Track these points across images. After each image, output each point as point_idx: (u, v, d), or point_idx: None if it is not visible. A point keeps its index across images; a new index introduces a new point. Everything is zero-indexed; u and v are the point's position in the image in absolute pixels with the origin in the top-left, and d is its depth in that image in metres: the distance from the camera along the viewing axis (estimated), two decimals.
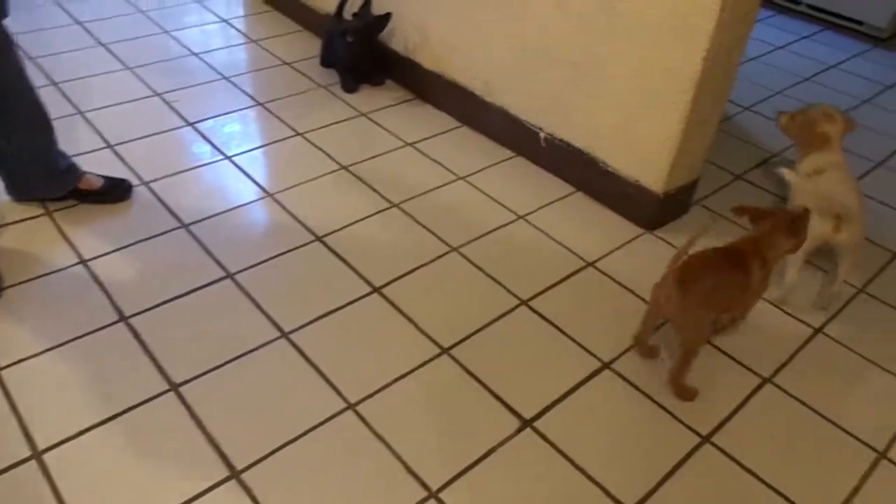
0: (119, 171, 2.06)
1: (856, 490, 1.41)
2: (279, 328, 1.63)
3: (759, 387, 1.61)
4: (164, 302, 1.67)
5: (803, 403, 1.58)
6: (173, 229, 1.89)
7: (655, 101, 1.87)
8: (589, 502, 1.34)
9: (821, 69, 3.23)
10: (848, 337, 1.76)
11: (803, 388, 1.61)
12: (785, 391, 1.60)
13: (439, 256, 1.89)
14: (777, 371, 1.65)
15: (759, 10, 1.80)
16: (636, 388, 1.58)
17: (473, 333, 1.67)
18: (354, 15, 2.53)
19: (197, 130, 2.31)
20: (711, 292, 1.48)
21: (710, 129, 1.98)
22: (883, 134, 2.74)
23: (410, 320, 1.69)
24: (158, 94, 2.48)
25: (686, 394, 1.56)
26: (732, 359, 1.67)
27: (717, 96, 1.88)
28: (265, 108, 2.47)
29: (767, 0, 3.84)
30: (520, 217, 2.07)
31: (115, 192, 1.95)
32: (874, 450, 1.49)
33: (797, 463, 1.45)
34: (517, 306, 1.76)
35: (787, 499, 1.38)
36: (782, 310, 1.83)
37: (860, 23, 3.61)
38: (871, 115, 2.88)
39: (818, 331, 1.78)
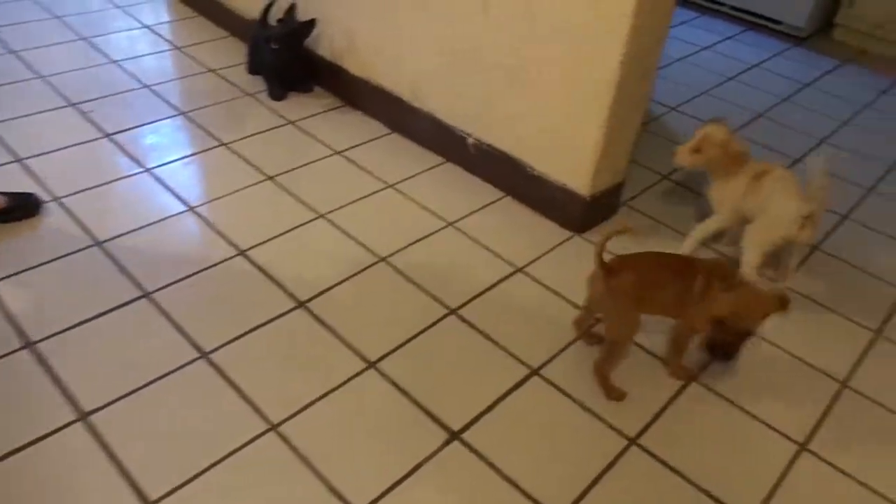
0: (28, 187, 1.97)
1: (778, 483, 1.44)
2: (198, 348, 1.57)
3: (685, 386, 1.63)
4: (75, 325, 1.59)
5: (728, 401, 1.61)
6: (86, 247, 1.81)
7: (578, 106, 1.88)
8: None
9: (744, 68, 3.31)
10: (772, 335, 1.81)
11: (729, 386, 1.64)
12: (711, 389, 1.63)
13: (367, 267, 1.86)
14: (703, 369, 1.68)
15: (681, 11, 1.84)
16: (565, 393, 1.58)
17: (401, 345, 1.65)
18: (279, 21, 2.48)
19: (114, 142, 2.23)
20: (639, 288, 1.49)
21: (632, 133, 2.00)
22: (800, 132, 2.82)
23: (337, 335, 1.65)
24: (73, 104, 2.38)
25: (612, 392, 1.57)
26: (658, 358, 1.69)
27: (637, 100, 1.90)
28: (188, 117, 2.40)
29: (692, 2, 3.94)
30: (449, 224, 2.05)
31: (21, 209, 1.86)
32: (795, 442, 1.53)
33: (722, 460, 1.47)
34: (446, 315, 1.74)
35: (712, 496, 1.40)
36: None
37: (779, 22, 3.72)
38: (790, 112, 2.96)
39: None
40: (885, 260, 2.13)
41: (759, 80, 3.22)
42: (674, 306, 1.55)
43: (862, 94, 3.20)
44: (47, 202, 1.94)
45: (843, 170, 2.57)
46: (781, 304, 1.48)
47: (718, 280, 1.47)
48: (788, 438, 1.54)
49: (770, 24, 3.76)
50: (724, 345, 1.51)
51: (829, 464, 1.49)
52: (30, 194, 1.89)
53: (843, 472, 1.48)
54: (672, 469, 1.44)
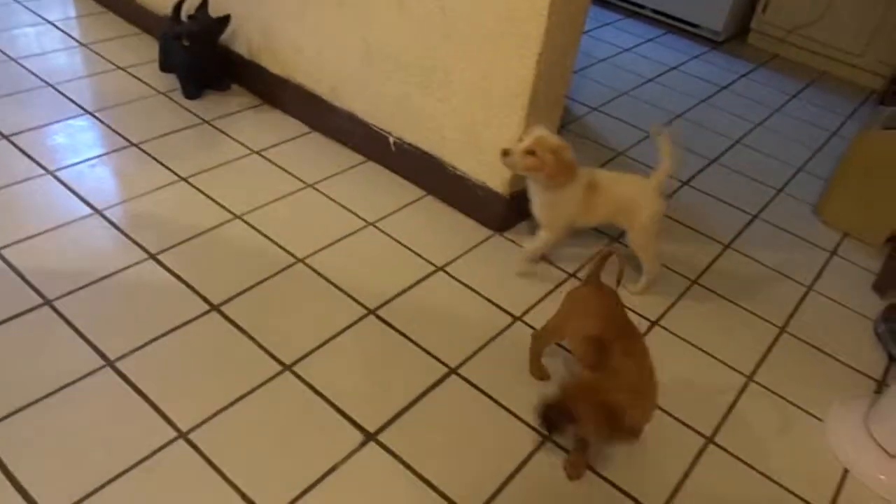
0: None
1: (686, 475, 1.48)
2: (104, 356, 1.51)
3: None
4: None
5: None
6: None
7: (496, 105, 1.89)
8: None
9: (663, 70, 3.41)
10: (680, 327, 1.86)
11: None
12: None
13: (284, 269, 1.82)
14: None
15: (604, 13, 1.87)
16: (482, 391, 1.58)
17: (318, 347, 1.62)
18: (191, 17, 2.40)
19: (12, 143, 2.11)
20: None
21: (551, 131, 2.02)
22: (717, 133, 2.92)
23: (251, 338, 1.61)
24: None
25: (537, 371, 1.62)
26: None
27: (553, 100, 1.92)
28: (96, 117, 2.30)
29: (615, 4, 4.03)
30: (369, 224, 2.03)
31: None
32: (702, 435, 1.58)
33: (633, 454, 1.50)
34: (364, 316, 1.72)
35: (630, 496, 1.42)
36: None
37: (698, 26, 3.84)
38: (707, 114, 3.06)
39: (654, 323, 1.86)
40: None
41: (677, 82, 3.31)
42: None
43: (775, 98, 3.33)
44: None
45: (755, 170, 2.67)
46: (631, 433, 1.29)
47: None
48: (695, 431, 1.59)
49: (689, 28, 3.88)
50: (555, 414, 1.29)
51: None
52: None
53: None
54: (589, 468, 1.46)
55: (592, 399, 1.22)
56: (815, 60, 3.75)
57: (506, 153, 1.72)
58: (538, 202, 1.84)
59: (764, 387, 1.73)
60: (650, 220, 1.84)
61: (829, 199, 2.42)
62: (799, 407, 1.69)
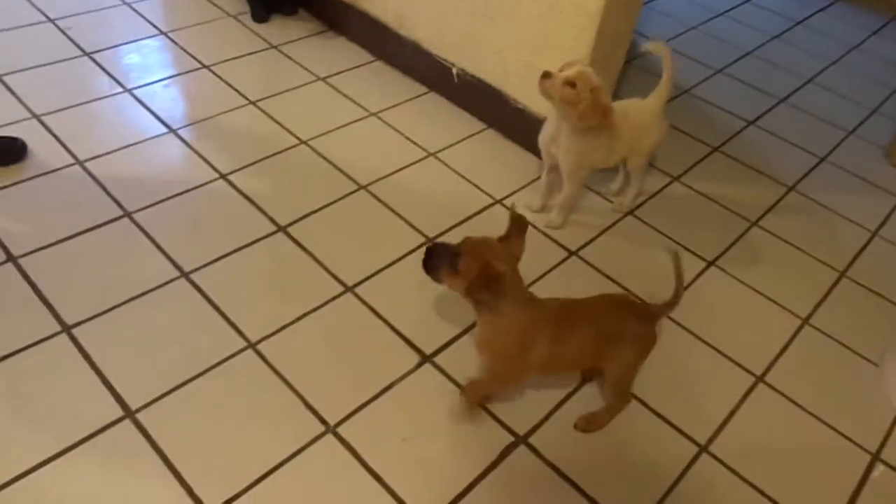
0: (6, 104, 1.95)
1: (733, 412, 1.51)
2: (179, 268, 1.60)
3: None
4: (56, 242, 1.61)
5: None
6: (67, 166, 1.81)
7: (560, 38, 1.87)
8: (486, 430, 1.40)
9: (736, 4, 3.27)
10: (737, 269, 1.85)
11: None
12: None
13: (348, 195, 1.88)
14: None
15: None
16: None
17: (379, 271, 1.68)
18: None
19: (94, 61, 2.19)
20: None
21: (616, 67, 1.99)
22: (787, 71, 2.81)
23: (316, 259, 1.68)
24: (51, 20, 2.33)
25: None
26: None
27: (619, 34, 1.89)
28: (169, 37, 2.35)
29: None
30: (430, 154, 2.06)
31: (7, 154, 1.78)
32: (752, 374, 1.60)
33: (680, 387, 1.54)
34: (423, 244, 1.77)
35: (668, 421, 1.46)
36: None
37: None
38: (779, 50, 2.95)
39: (711, 263, 1.86)
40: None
41: (749, 16, 3.19)
42: None
43: (852, 34, 3.17)
44: (25, 120, 1.92)
45: (827, 111, 2.58)
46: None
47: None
48: (745, 370, 1.61)
49: None
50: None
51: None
52: (14, 139, 1.81)
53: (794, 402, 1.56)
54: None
55: (481, 258, 1.19)
56: None
57: (547, 75, 1.59)
58: (565, 147, 1.72)
59: (820, 330, 1.73)
60: (656, 144, 1.84)
61: None
62: (854, 351, 1.69)
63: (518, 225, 1.26)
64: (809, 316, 1.76)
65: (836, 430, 1.51)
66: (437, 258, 1.24)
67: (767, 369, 1.61)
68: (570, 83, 1.57)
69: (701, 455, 1.42)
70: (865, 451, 1.48)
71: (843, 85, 2.77)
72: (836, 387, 1.61)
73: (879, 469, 1.46)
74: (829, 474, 1.44)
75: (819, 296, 1.82)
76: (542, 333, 1.26)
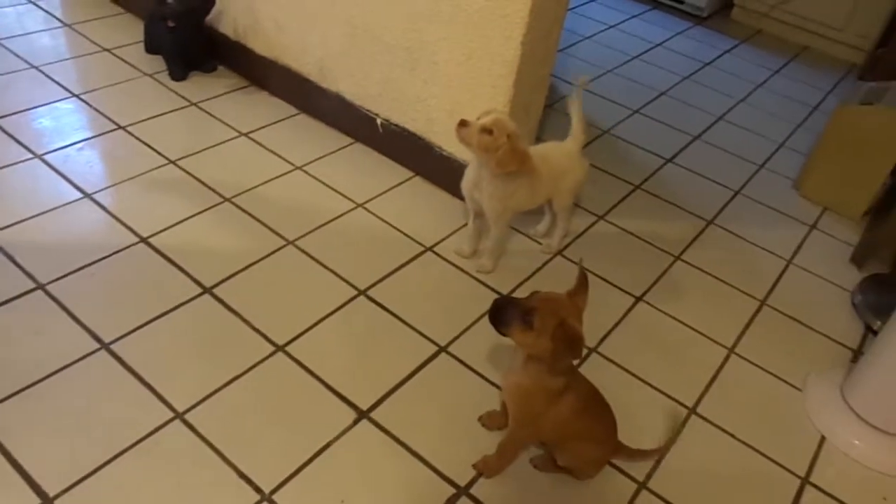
0: None
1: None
2: (98, 339, 1.53)
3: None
4: None
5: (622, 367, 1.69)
6: None
7: (481, 87, 1.91)
8: (425, 484, 1.37)
9: (648, 47, 3.43)
10: (663, 302, 1.90)
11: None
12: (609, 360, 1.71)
13: (275, 251, 1.85)
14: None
15: None
16: (471, 368, 1.62)
17: (310, 328, 1.65)
18: None
19: (0, 127, 2.11)
20: None
21: (536, 112, 2.05)
22: (700, 109, 2.95)
23: (244, 319, 1.64)
24: None
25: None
26: None
27: (538, 79, 1.94)
28: (82, 99, 2.29)
29: None
30: (359, 205, 2.05)
31: None
32: (685, 406, 1.63)
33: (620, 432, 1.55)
34: (355, 296, 1.75)
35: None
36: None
37: (682, 2, 3.85)
38: (691, 90, 3.09)
39: (639, 299, 1.91)
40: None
41: (662, 59, 3.34)
42: None
43: (757, 73, 3.36)
44: None
45: (738, 146, 2.71)
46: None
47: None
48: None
49: (673, 4, 3.90)
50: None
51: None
52: None
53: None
54: None
55: (556, 315, 1.18)
56: (798, 35, 3.78)
57: (463, 124, 1.62)
58: (488, 193, 1.74)
59: (745, 358, 1.78)
60: (578, 184, 1.89)
61: (809, 174, 2.47)
62: (778, 377, 1.75)
63: (584, 279, 1.25)
64: (734, 345, 1.82)
65: (766, 456, 1.55)
66: (509, 313, 1.22)
67: (699, 400, 1.65)
68: (487, 130, 1.60)
69: (641, 491, 1.43)
70: (795, 475, 1.52)
71: (752, 121, 2.92)
72: (764, 413, 1.65)
73: (810, 493, 1.50)
74: (764, 500, 1.47)
75: (742, 325, 1.89)
76: (571, 403, 1.28)
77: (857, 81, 3.04)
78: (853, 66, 3.60)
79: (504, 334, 1.24)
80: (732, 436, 1.58)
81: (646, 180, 2.41)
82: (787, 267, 2.13)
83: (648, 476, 1.46)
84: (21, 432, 1.33)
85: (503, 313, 1.22)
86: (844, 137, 2.34)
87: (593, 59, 3.19)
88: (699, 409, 1.62)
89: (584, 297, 1.25)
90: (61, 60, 2.47)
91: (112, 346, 1.52)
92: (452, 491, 1.37)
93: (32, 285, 1.63)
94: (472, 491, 1.38)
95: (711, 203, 2.36)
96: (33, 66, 2.40)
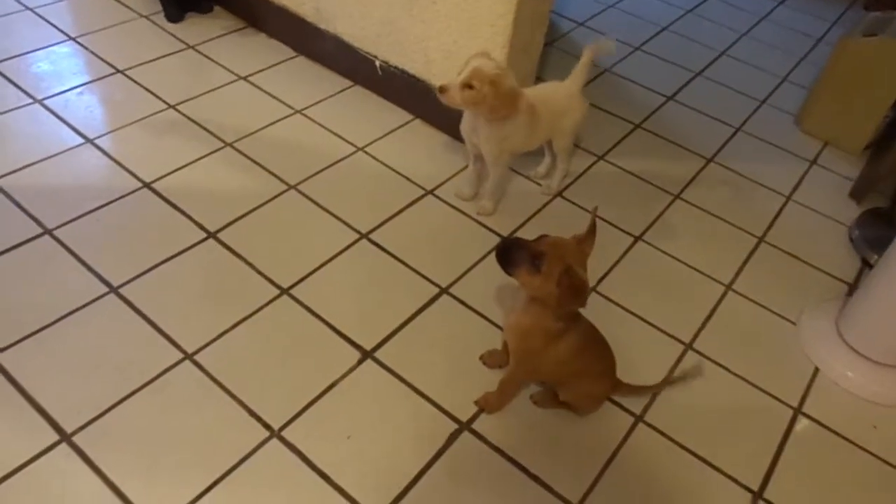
0: None
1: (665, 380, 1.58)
2: (107, 283, 1.56)
3: None
4: None
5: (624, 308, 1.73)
6: None
7: (480, 26, 1.88)
8: (428, 420, 1.43)
9: None
10: (662, 241, 1.92)
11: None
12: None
13: (277, 195, 1.86)
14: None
15: None
16: (472, 309, 1.66)
17: (314, 271, 1.68)
18: None
19: None
20: None
21: (536, 51, 2.02)
22: (703, 44, 2.90)
23: (249, 263, 1.67)
24: None
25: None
26: None
27: (538, 17, 1.91)
28: (79, 42, 2.27)
29: None
30: (359, 149, 2.06)
31: None
32: (681, 342, 1.67)
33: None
34: (357, 240, 1.78)
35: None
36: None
37: None
38: (693, 25, 3.04)
39: (638, 238, 1.93)
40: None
41: None
42: None
43: (761, 4, 3.29)
44: None
45: (739, 81, 2.68)
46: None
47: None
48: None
49: None
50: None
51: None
52: None
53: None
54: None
55: (563, 261, 1.19)
56: None
57: (443, 90, 1.60)
58: (484, 137, 1.73)
59: (742, 294, 1.81)
60: (577, 124, 1.88)
61: (810, 109, 2.45)
62: (774, 312, 1.78)
63: (593, 226, 1.27)
64: (732, 282, 1.84)
65: (760, 388, 1.60)
66: (517, 255, 1.23)
67: (695, 336, 1.69)
68: (467, 85, 1.59)
69: (637, 425, 1.49)
70: (788, 405, 1.57)
71: (754, 55, 2.88)
72: (759, 348, 1.69)
73: (802, 422, 1.55)
74: (757, 431, 1.52)
75: (740, 262, 1.91)
76: (570, 343, 1.31)
77: (863, 11, 2.98)
78: None
79: (510, 275, 1.26)
80: (727, 370, 1.62)
81: (646, 119, 2.40)
82: (786, 203, 2.14)
83: (645, 409, 1.51)
84: (38, 373, 1.38)
85: (512, 254, 1.24)
86: (847, 70, 2.31)
87: None
88: (696, 345, 1.66)
89: (590, 244, 1.27)
90: (56, 2, 2.43)
91: (121, 290, 1.56)
92: (455, 426, 1.42)
93: (39, 230, 1.66)
94: (475, 426, 1.43)
95: (712, 141, 2.35)
96: (28, 8, 2.37)
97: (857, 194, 2.18)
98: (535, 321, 1.29)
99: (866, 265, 1.95)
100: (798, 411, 1.57)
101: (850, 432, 1.54)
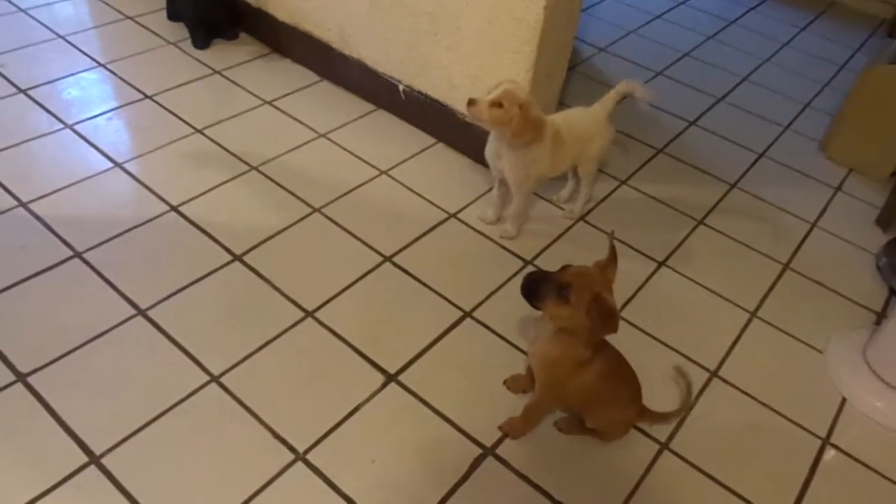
0: None
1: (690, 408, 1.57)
2: (135, 305, 1.58)
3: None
4: (3, 289, 1.57)
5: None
6: (10, 209, 1.77)
7: (504, 52, 1.90)
8: (452, 444, 1.42)
9: (671, 6, 3.37)
10: (686, 267, 1.92)
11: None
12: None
13: (302, 218, 1.88)
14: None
15: None
16: (496, 333, 1.66)
17: (338, 294, 1.69)
18: None
19: (30, 97, 2.15)
20: None
21: (560, 76, 2.04)
22: (723, 70, 2.91)
23: (274, 286, 1.68)
24: None
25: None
26: None
27: (561, 46, 1.93)
28: (108, 69, 2.32)
29: None
30: (383, 172, 2.07)
31: None
32: (706, 369, 1.65)
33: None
34: (381, 263, 1.79)
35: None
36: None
37: None
38: (715, 51, 3.05)
39: (661, 264, 1.92)
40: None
41: (685, 18, 3.28)
42: None
43: (783, 31, 3.30)
44: None
45: (762, 107, 2.68)
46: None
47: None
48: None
49: None
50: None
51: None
52: None
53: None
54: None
55: (590, 289, 1.19)
56: None
57: (472, 102, 1.63)
58: (509, 162, 1.75)
59: (767, 322, 1.80)
60: (603, 150, 1.89)
61: (835, 135, 2.44)
62: (800, 340, 1.76)
63: (614, 251, 1.27)
64: (757, 309, 1.83)
65: (787, 417, 1.58)
66: (544, 288, 1.23)
67: (720, 364, 1.67)
68: (497, 104, 1.61)
69: (662, 452, 1.47)
70: (816, 436, 1.55)
71: (777, 81, 2.88)
72: (785, 376, 1.68)
73: (830, 453, 1.52)
74: (784, 461, 1.50)
75: (765, 289, 1.89)
76: (596, 370, 1.31)
77: (887, 38, 2.98)
78: (883, 22, 3.51)
79: (538, 308, 1.26)
80: (754, 398, 1.60)
81: (669, 144, 2.40)
82: (811, 230, 2.12)
83: (670, 437, 1.50)
84: (67, 395, 1.40)
85: (538, 288, 1.24)
86: (872, 97, 2.30)
87: (615, 20, 3.15)
88: (721, 373, 1.65)
89: (613, 270, 1.27)
90: (86, 30, 2.49)
91: (148, 312, 1.57)
92: (479, 451, 1.42)
93: (70, 253, 1.68)
94: (499, 451, 1.42)
95: (735, 166, 2.34)
96: (59, 36, 2.43)
97: (883, 222, 2.16)
98: (564, 351, 1.29)
99: (894, 294, 1.93)
100: (826, 441, 1.54)
101: (880, 464, 1.52)
